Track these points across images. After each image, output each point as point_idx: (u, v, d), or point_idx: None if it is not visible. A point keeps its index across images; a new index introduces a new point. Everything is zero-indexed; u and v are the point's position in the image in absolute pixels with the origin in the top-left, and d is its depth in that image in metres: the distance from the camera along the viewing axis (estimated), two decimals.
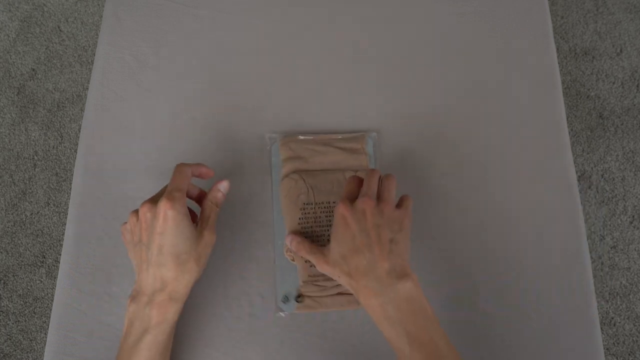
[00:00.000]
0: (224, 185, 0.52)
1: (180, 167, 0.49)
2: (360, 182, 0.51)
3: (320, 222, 0.55)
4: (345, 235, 0.47)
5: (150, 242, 0.46)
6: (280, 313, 0.54)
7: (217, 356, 0.54)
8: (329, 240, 0.51)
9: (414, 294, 0.44)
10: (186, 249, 0.46)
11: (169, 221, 0.45)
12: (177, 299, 0.46)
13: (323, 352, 0.54)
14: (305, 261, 0.54)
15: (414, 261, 0.51)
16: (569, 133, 0.63)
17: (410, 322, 0.43)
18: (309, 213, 0.55)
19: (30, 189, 1.32)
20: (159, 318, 0.46)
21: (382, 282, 0.44)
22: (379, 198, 0.49)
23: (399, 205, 0.50)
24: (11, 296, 1.24)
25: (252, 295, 0.56)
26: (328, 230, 0.55)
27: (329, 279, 0.53)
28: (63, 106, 1.38)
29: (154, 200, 0.47)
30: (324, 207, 0.56)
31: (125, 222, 0.51)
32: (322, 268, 0.49)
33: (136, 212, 0.49)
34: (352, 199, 0.49)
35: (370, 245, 0.45)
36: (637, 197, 1.24)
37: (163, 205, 0.45)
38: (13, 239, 1.28)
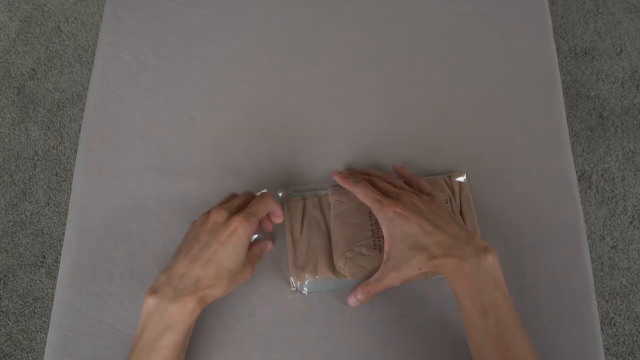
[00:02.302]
0: (271, 243, 0.55)
1: (266, 197, 0.51)
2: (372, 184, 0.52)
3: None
4: (409, 228, 0.47)
5: (207, 245, 0.47)
6: (298, 293, 0.54)
7: (217, 355, 0.54)
8: (376, 249, 0.52)
9: (495, 268, 0.45)
10: (231, 268, 0.47)
11: (234, 237, 0.46)
12: (201, 306, 0.46)
13: (324, 352, 0.54)
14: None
15: None
16: (569, 133, 0.63)
17: (488, 295, 0.44)
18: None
19: (30, 189, 1.31)
20: (181, 317, 0.45)
21: (467, 252, 0.45)
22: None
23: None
24: (11, 296, 1.24)
25: (252, 295, 0.56)
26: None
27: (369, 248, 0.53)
28: (63, 106, 1.38)
29: (229, 210, 0.48)
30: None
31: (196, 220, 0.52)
32: (396, 277, 0.48)
33: (209, 212, 0.50)
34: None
35: (442, 226, 0.46)
36: (637, 197, 1.24)
37: (238, 221, 0.47)
38: (13, 239, 1.27)
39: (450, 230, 0.46)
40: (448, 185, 0.57)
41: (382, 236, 0.52)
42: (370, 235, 0.53)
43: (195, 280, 0.46)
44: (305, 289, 0.54)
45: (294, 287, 0.55)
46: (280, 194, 0.58)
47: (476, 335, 0.44)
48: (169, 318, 0.45)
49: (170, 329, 0.45)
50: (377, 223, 0.54)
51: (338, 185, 0.56)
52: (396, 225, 0.47)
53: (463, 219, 0.56)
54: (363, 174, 0.55)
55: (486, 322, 0.43)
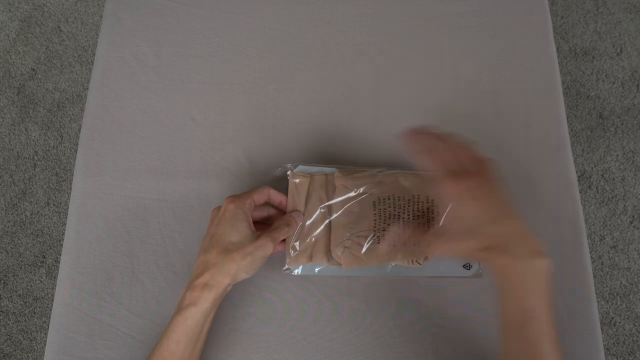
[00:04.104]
0: (300, 218, 0.54)
1: (262, 186, 0.54)
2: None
3: (392, 215, 0.54)
4: (474, 207, 0.45)
5: (207, 233, 0.50)
6: (290, 271, 0.54)
7: (218, 356, 0.54)
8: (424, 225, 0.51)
9: (547, 275, 0.44)
10: (235, 241, 0.48)
11: (226, 213, 0.49)
12: (212, 287, 0.47)
13: (324, 352, 0.54)
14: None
15: None
16: (569, 133, 0.63)
17: (533, 300, 0.43)
18: (381, 210, 0.54)
19: (30, 189, 1.31)
20: (189, 301, 0.46)
21: (523, 252, 0.44)
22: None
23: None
24: (11, 296, 1.24)
25: (255, 296, 0.56)
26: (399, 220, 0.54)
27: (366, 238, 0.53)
28: (63, 106, 1.38)
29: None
30: (392, 201, 0.54)
31: None
32: (444, 249, 0.47)
33: None
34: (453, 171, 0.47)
35: (503, 217, 0.45)
36: (637, 197, 1.24)
37: (225, 201, 0.50)
38: (13, 239, 1.27)
39: (510, 224, 0.44)
40: None
41: (385, 229, 0.53)
42: (372, 226, 0.53)
43: (204, 265, 0.48)
44: (296, 271, 0.54)
45: (286, 267, 0.54)
46: (282, 170, 0.57)
47: (511, 337, 0.44)
48: (181, 303, 0.47)
49: (179, 312, 0.47)
50: (380, 215, 0.54)
51: (345, 167, 0.56)
52: (463, 202, 0.45)
53: None
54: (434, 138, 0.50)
55: (524, 326, 0.43)
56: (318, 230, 0.54)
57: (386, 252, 0.53)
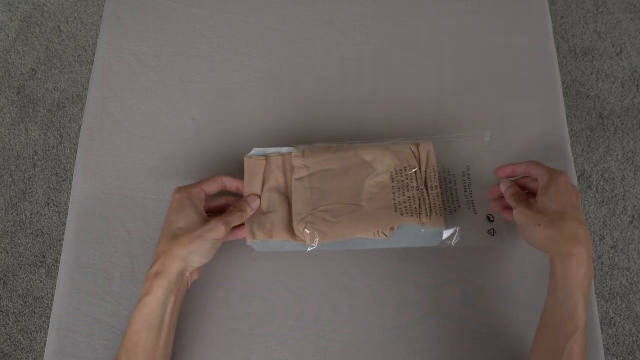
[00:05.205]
0: (255, 202, 0.54)
1: (214, 175, 0.53)
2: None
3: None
4: (569, 199, 0.48)
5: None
6: (253, 249, 0.53)
7: (217, 357, 0.54)
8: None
9: (589, 283, 0.46)
10: (182, 226, 0.48)
11: (173, 204, 0.50)
12: (163, 273, 0.47)
13: (323, 352, 0.54)
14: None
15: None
16: (569, 133, 0.63)
17: (586, 304, 0.45)
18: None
19: (30, 189, 1.31)
20: (144, 291, 0.47)
21: (586, 257, 0.46)
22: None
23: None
24: (11, 296, 1.24)
25: (254, 296, 0.56)
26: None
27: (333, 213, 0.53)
28: (63, 106, 1.38)
29: None
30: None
31: None
32: (527, 214, 0.49)
33: None
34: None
35: (582, 221, 0.48)
36: (637, 197, 1.24)
37: (173, 194, 0.51)
38: (13, 239, 1.27)
39: (583, 232, 0.47)
40: (415, 156, 0.55)
41: (368, 199, 0.53)
42: (334, 201, 0.53)
43: (156, 257, 0.48)
44: (259, 248, 0.53)
45: (253, 246, 0.54)
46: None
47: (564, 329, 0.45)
48: (141, 294, 0.48)
49: (137, 304, 0.47)
50: (363, 187, 0.54)
51: (301, 146, 0.56)
52: (563, 187, 0.49)
53: (427, 193, 0.54)
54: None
55: (583, 327, 0.45)
56: (276, 208, 0.54)
57: (351, 225, 0.52)
